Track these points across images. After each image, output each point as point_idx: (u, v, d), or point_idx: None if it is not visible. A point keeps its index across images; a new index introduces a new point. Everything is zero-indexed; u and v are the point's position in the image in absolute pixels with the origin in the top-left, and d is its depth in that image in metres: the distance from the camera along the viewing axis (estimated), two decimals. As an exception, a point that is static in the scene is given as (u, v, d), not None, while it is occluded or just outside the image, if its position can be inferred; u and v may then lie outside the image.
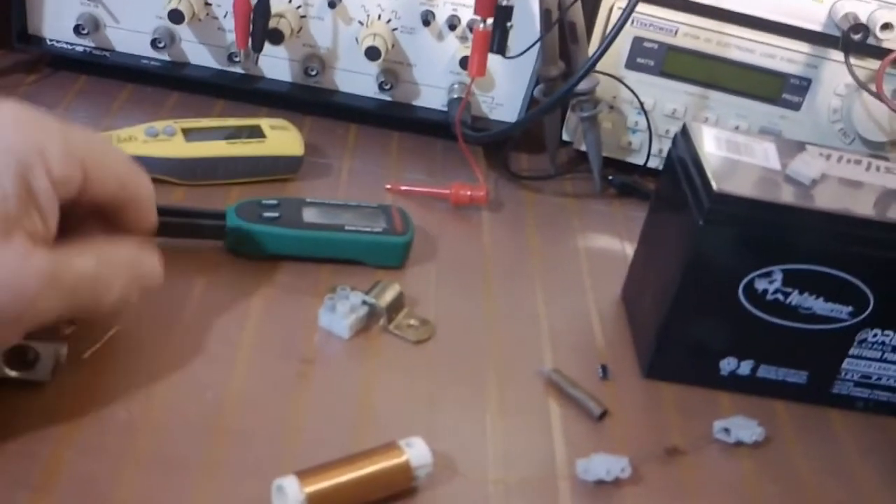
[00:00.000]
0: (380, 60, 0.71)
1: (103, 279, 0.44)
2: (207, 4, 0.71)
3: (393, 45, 0.72)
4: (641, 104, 0.74)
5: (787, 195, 0.51)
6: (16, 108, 0.42)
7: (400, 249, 0.60)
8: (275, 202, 0.59)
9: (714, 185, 0.50)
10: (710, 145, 0.54)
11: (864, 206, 0.52)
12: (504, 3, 0.62)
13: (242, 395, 0.49)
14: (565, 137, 0.78)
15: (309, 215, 0.59)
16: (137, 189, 0.47)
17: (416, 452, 0.44)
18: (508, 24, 0.63)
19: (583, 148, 0.76)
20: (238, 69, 0.75)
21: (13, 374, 0.45)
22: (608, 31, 0.72)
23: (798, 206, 0.51)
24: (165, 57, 0.74)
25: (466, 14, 0.72)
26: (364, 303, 0.54)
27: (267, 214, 0.58)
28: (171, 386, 0.48)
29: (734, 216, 0.50)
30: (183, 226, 0.57)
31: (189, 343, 0.51)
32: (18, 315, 0.40)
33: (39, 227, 0.41)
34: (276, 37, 0.69)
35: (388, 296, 0.55)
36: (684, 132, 0.56)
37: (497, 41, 0.63)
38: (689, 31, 0.72)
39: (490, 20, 0.63)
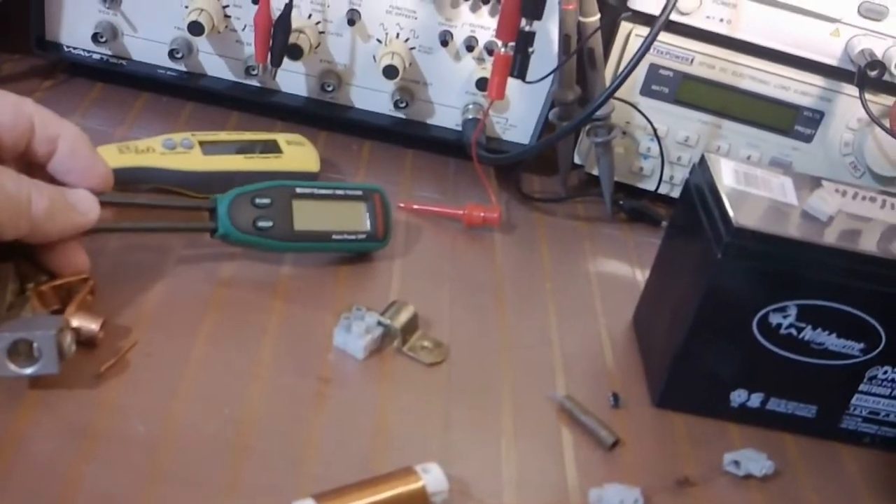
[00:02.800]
0: (397, 79, 0.71)
1: (24, 194, 0.46)
2: (227, 17, 0.72)
3: (410, 64, 0.73)
4: (655, 131, 0.74)
5: (804, 231, 0.52)
6: None
7: (378, 249, 0.63)
8: (267, 202, 0.58)
9: (734, 219, 0.50)
10: (728, 177, 0.55)
11: (879, 244, 0.52)
12: (526, 28, 0.62)
13: (260, 413, 0.49)
14: (577, 161, 0.78)
15: (300, 217, 0.59)
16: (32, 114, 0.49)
17: (432, 478, 0.44)
18: (530, 49, 0.63)
19: (595, 172, 0.76)
20: (254, 82, 0.75)
21: (25, 371, 0.45)
22: (625, 57, 0.73)
23: (815, 243, 0.51)
24: (182, 67, 0.74)
25: (484, 36, 0.72)
26: (379, 323, 0.54)
27: (261, 224, 0.57)
28: (189, 402, 0.48)
29: (752, 250, 0.50)
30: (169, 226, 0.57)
31: (206, 359, 0.51)
32: None
33: None
34: (296, 52, 0.69)
35: (403, 317, 0.55)
36: (702, 163, 0.57)
37: (518, 66, 0.63)
38: (704, 60, 0.72)
39: (511, 44, 0.63)
